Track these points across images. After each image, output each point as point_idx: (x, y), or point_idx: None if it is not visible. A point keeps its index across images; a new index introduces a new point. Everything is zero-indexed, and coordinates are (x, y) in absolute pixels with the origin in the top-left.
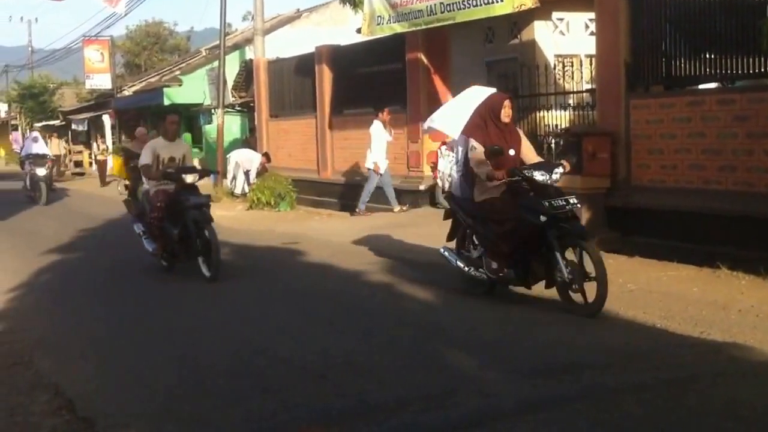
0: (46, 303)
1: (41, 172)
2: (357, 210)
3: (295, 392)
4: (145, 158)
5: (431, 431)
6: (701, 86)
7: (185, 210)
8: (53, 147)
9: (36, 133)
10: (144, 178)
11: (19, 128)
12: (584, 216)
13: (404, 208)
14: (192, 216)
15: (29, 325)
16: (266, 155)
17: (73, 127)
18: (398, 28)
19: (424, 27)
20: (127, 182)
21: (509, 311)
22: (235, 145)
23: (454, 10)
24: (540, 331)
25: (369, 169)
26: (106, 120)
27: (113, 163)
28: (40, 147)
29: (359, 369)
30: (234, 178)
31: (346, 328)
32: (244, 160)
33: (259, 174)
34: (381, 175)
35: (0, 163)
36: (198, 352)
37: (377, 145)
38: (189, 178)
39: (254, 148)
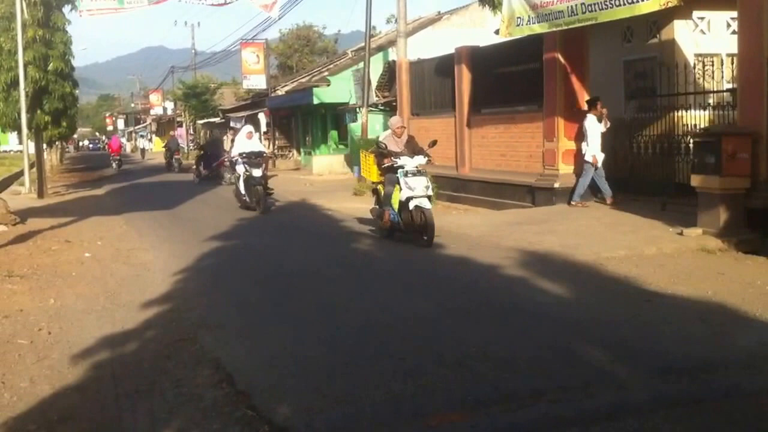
0: (208, 285)
1: (257, 173)
2: (572, 202)
3: (434, 378)
4: None
5: (566, 422)
6: None
7: None
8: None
9: (249, 127)
10: None
11: (184, 125)
12: (722, 216)
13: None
14: None
15: (193, 305)
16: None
17: (232, 124)
18: (538, 29)
19: (564, 28)
20: (380, 186)
21: (641, 308)
22: None
23: (596, 10)
24: (674, 330)
25: (587, 162)
26: (262, 118)
27: (362, 162)
28: (255, 144)
29: (495, 358)
30: None
31: (482, 319)
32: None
33: None
34: (597, 168)
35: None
36: (344, 335)
37: (593, 139)
38: None
39: None
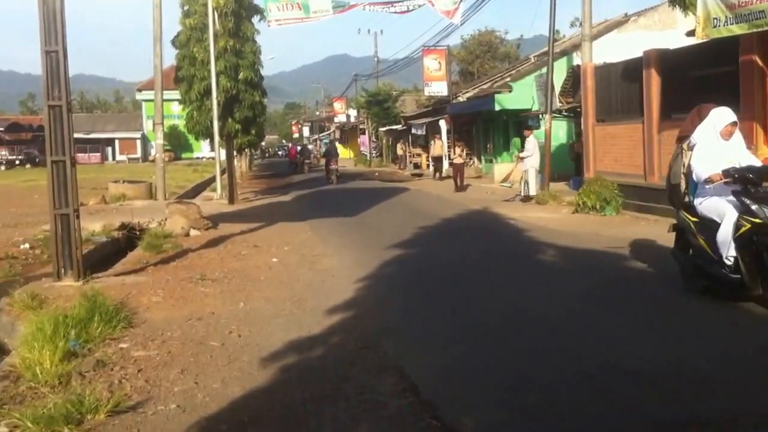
0: (390, 293)
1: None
2: None
3: (624, 396)
4: None
5: None
6: None
7: None
8: (436, 149)
9: (729, 114)
10: None
11: (366, 132)
12: None
13: None
14: None
15: (376, 313)
16: None
17: (413, 131)
18: (736, 30)
19: (767, 28)
20: None
21: None
22: (562, 149)
23: None
24: None
25: None
26: (442, 125)
27: None
28: (743, 149)
29: (690, 378)
30: (526, 182)
31: (673, 336)
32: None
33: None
34: None
35: (349, 164)
36: (528, 347)
37: None
38: None
39: (580, 154)
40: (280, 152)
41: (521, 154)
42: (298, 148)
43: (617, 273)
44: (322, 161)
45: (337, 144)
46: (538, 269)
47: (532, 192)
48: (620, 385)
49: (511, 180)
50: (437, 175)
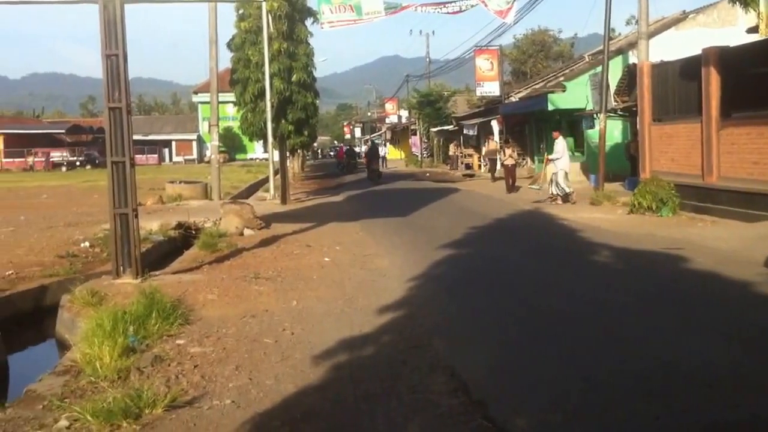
0: (441, 292)
1: None
2: None
3: (680, 399)
4: None
5: None
6: None
7: None
8: (491, 146)
9: None
10: None
11: (418, 132)
12: None
13: None
14: None
15: (427, 312)
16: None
17: (465, 131)
18: None
19: None
20: None
21: None
22: (617, 149)
23: None
24: None
25: None
26: (494, 125)
27: None
28: None
29: (749, 382)
30: (556, 183)
31: (733, 339)
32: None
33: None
34: None
35: (401, 164)
36: (581, 348)
37: None
38: None
39: (635, 155)
40: (331, 153)
41: (550, 156)
42: (345, 149)
43: (675, 274)
44: None
45: (388, 145)
46: (592, 269)
47: (568, 189)
48: (677, 386)
49: (540, 183)
50: (492, 174)
